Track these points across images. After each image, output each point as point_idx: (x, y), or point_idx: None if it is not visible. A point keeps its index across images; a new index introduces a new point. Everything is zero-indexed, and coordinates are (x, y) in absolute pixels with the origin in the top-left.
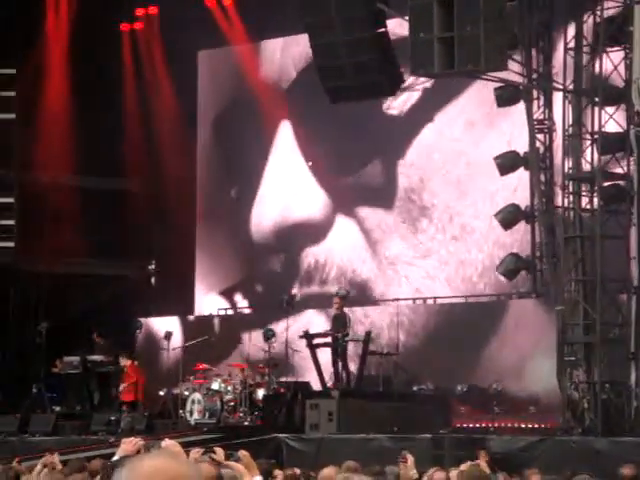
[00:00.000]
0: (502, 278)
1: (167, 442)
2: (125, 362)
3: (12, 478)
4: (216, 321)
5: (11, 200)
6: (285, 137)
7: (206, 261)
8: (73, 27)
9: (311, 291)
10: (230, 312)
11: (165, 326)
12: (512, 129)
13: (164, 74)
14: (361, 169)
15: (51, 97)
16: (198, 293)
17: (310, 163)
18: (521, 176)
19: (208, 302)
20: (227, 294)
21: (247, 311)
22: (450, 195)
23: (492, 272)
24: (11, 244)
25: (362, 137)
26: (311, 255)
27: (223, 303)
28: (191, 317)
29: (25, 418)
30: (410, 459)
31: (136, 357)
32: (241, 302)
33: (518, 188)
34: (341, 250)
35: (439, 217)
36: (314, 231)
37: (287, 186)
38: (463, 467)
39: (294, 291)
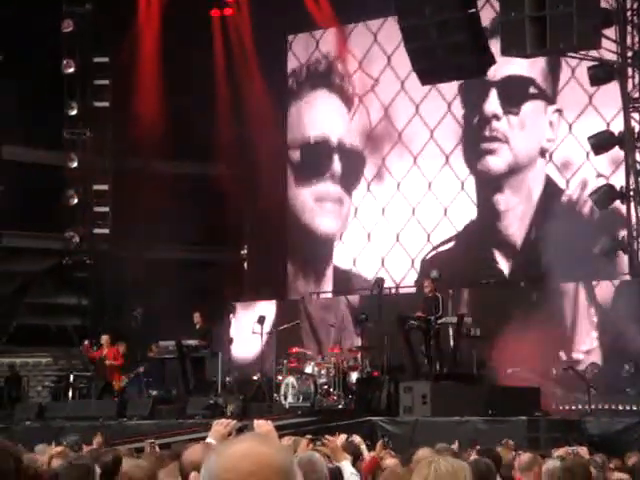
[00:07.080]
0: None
1: (258, 422)
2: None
3: (109, 463)
4: (308, 304)
5: (105, 187)
6: None
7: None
8: (164, 14)
9: None
10: (328, 295)
11: (260, 310)
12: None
13: (254, 58)
14: None
15: (144, 84)
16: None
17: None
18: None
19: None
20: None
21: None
22: None
23: None
24: (106, 230)
25: None
26: None
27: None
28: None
29: (123, 402)
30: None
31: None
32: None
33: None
34: None
35: None
36: None
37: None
38: (562, 452)
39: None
